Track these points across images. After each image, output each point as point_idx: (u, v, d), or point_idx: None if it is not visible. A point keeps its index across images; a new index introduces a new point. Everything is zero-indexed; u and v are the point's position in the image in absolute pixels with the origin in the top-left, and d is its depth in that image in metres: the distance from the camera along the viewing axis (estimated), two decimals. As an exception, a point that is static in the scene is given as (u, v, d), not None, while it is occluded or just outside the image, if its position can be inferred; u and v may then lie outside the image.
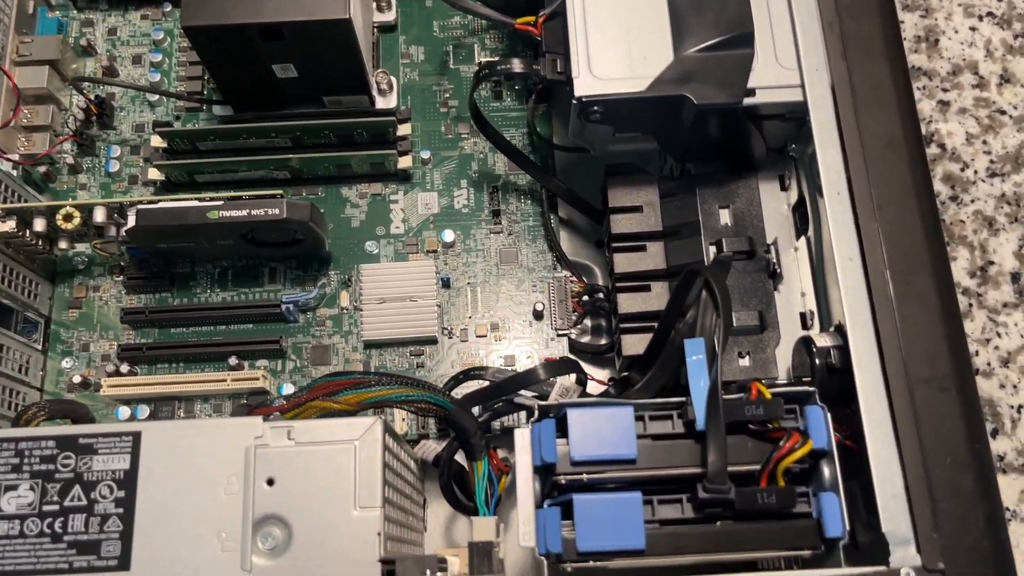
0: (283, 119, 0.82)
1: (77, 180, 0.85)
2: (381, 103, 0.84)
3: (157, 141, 0.82)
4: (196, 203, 0.72)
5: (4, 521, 0.52)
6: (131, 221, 0.72)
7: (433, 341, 0.80)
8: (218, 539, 0.52)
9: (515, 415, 0.73)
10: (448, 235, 0.82)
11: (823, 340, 0.60)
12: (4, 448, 0.53)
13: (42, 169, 0.83)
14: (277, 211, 0.72)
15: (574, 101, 0.63)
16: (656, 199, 0.71)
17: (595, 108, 0.63)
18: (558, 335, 0.80)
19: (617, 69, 0.64)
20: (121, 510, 0.52)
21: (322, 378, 0.64)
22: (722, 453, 0.52)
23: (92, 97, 0.83)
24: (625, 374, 0.71)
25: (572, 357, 0.69)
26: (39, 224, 0.74)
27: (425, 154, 0.85)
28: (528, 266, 0.82)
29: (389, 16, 0.88)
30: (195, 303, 0.81)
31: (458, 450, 0.67)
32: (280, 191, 0.75)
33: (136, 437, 0.54)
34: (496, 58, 0.87)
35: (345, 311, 0.81)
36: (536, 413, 0.56)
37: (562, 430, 0.56)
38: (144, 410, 0.77)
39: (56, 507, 0.52)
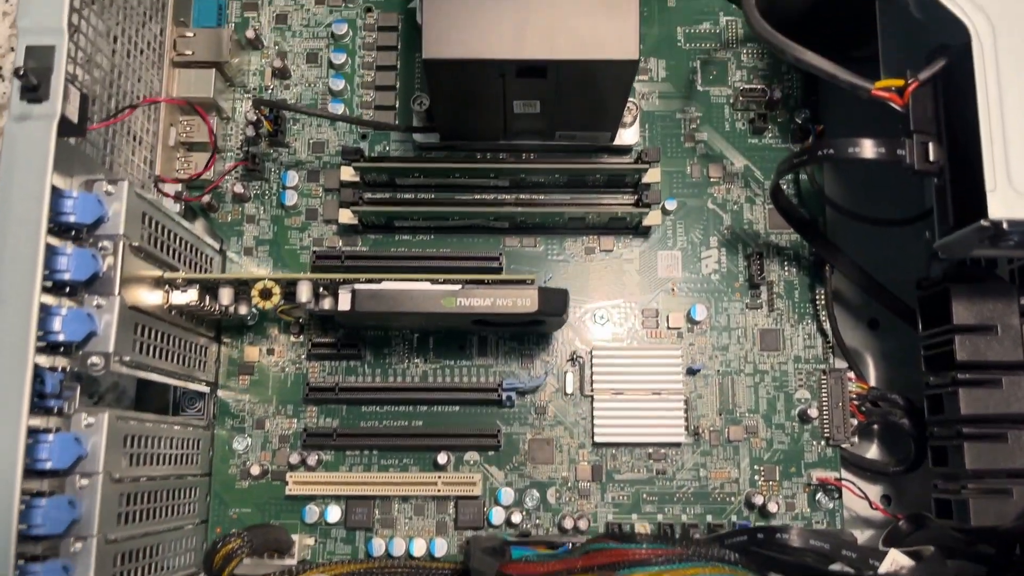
0: (499, 151, 0.67)
1: (243, 211, 0.69)
2: (621, 138, 0.67)
3: (348, 174, 0.66)
4: (427, 286, 0.57)
5: None
6: (344, 303, 0.57)
7: (677, 444, 0.66)
8: None
9: None
10: (700, 312, 0.67)
11: None
12: None
13: (205, 199, 0.67)
14: (528, 302, 0.57)
15: (984, 223, 0.46)
16: (1015, 318, 0.56)
17: (1014, 233, 0.47)
18: (828, 444, 0.66)
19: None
20: None
21: (594, 543, 0.52)
22: None
23: (267, 113, 0.67)
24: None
25: (924, 513, 0.56)
26: (225, 296, 0.59)
27: (670, 204, 0.69)
28: (794, 353, 0.68)
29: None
30: (390, 381, 0.67)
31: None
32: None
33: None
34: (761, 86, 0.69)
35: (570, 397, 0.67)
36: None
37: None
38: (335, 511, 0.64)
39: None
